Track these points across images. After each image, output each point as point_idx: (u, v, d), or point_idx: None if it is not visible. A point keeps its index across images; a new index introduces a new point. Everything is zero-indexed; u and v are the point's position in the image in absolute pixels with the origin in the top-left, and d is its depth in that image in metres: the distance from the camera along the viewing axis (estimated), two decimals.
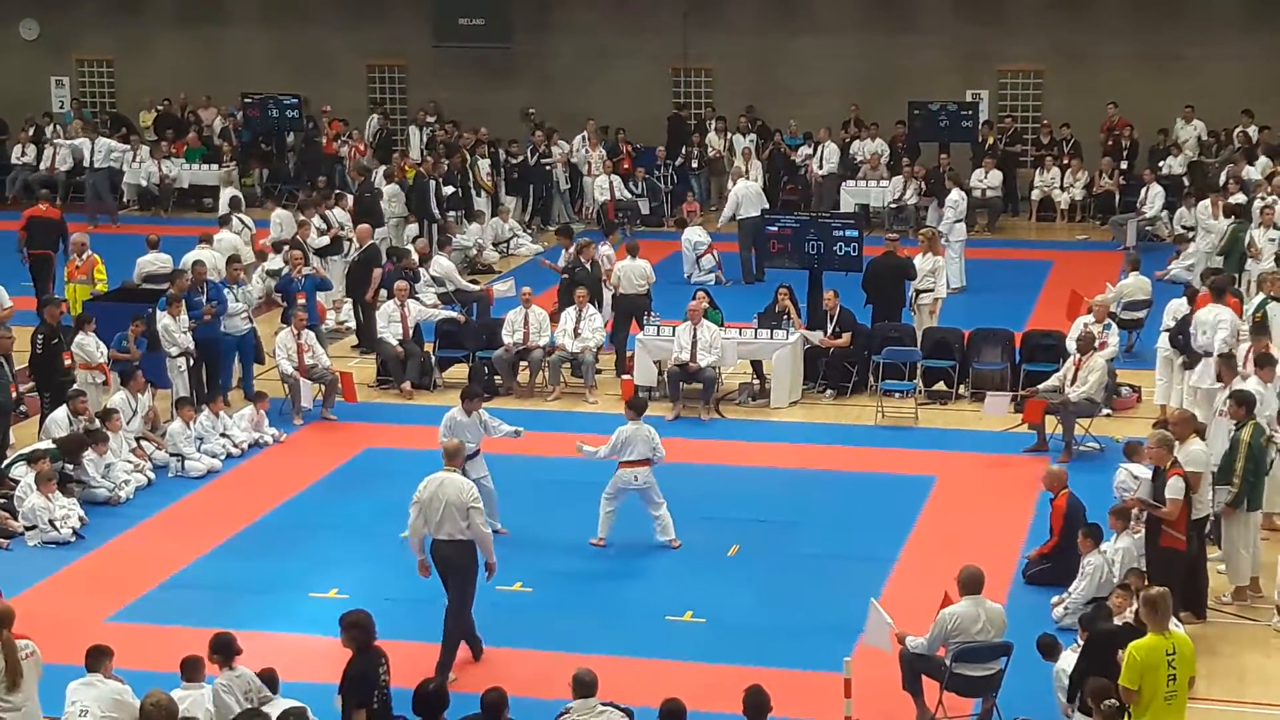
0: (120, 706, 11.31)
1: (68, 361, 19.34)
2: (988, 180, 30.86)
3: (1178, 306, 19.74)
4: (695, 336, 20.24)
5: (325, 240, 24.71)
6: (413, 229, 27.45)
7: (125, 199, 33.08)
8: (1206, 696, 12.40)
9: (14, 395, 18.72)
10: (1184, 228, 27.48)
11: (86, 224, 30.26)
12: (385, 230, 26.70)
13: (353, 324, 24.03)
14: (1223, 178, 27.80)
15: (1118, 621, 12.12)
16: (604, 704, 11.04)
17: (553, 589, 15.10)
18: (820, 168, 31.79)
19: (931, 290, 22.23)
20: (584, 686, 11.03)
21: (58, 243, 24.07)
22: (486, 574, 13.44)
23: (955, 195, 26.90)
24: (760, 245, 24.13)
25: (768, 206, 27.05)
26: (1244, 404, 14.87)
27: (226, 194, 27.43)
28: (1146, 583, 12.81)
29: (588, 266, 22.75)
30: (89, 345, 19.35)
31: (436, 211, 27.71)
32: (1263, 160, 28.83)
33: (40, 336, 19.16)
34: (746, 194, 27.50)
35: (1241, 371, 16.43)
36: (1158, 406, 19.54)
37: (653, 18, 34.57)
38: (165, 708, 10.41)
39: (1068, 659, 12.01)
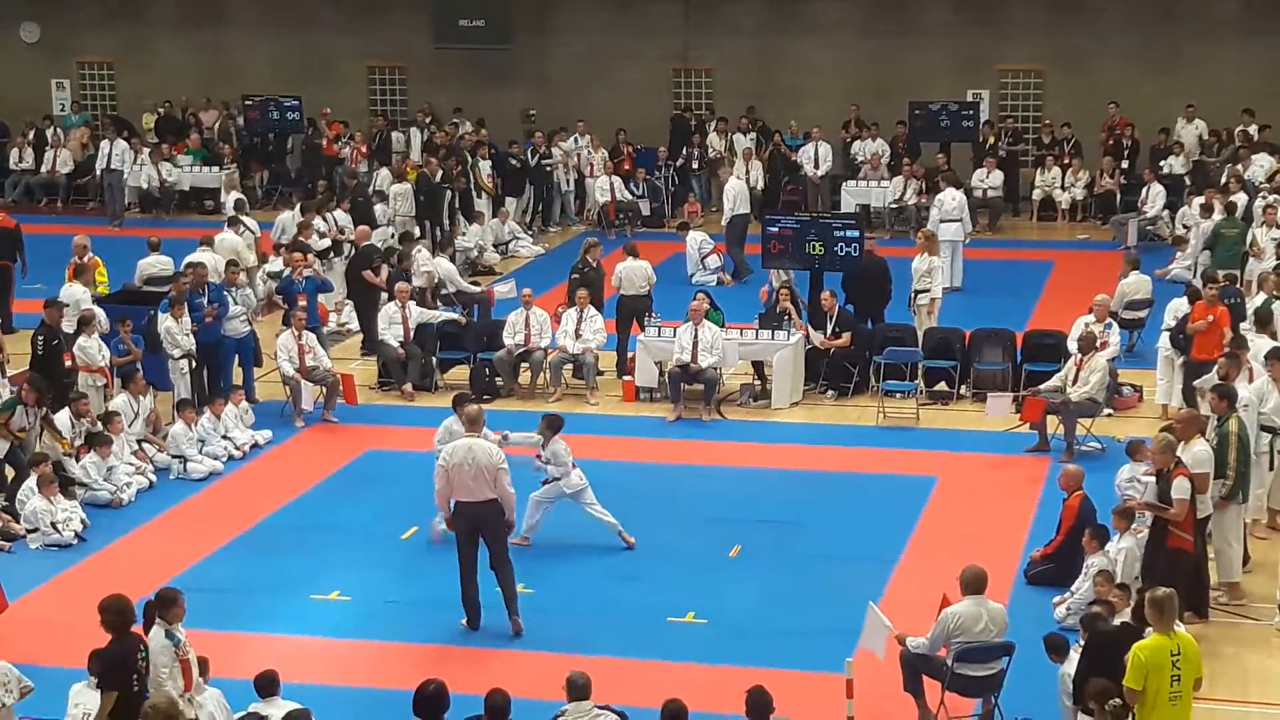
0: None
1: (68, 363, 19.32)
2: (989, 180, 30.86)
3: (1179, 306, 19.75)
4: (696, 337, 20.22)
5: (326, 242, 24.71)
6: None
7: (127, 201, 33.08)
8: (1209, 696, 12.35)
9: None
10: (1185, 227, 27.45)
11: (109, 225, 30.47)
12: (390, 230, 26.71)
13: (353, 325, 24.04)
14: (1224, 177, 27.80)
15: (1117, 622, 12.11)
16: (599, 707, 11.00)
17: (554, 590, 15.08)
18: (817, 168, 31.73)
19: (929, 291, 22.23)
20: (578, 689, 10.97)
21: (14, 252, 23.94)
22: (506, 530, 14.09)
23: (956, 195, 26.86)
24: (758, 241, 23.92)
25: (749, 205, 27.07)
26: (1226, 397, 14.88)
27: (231, 197, 27.43)
28: (1115, 584, 12.99)
29: (595, 266, 22.74)
30: (91, 348, 19.33)
31: (448, 221, 27.76)
32: (1266, 159, 28.79)
33: (40, 338, 19.15)
34: (739, 191, 27.51)
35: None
36: (1159, 406, 19.54)
37: (653, 19, 34.54)
38: (166, 710, 10.39)
39: (1072, 662, 11.97)
